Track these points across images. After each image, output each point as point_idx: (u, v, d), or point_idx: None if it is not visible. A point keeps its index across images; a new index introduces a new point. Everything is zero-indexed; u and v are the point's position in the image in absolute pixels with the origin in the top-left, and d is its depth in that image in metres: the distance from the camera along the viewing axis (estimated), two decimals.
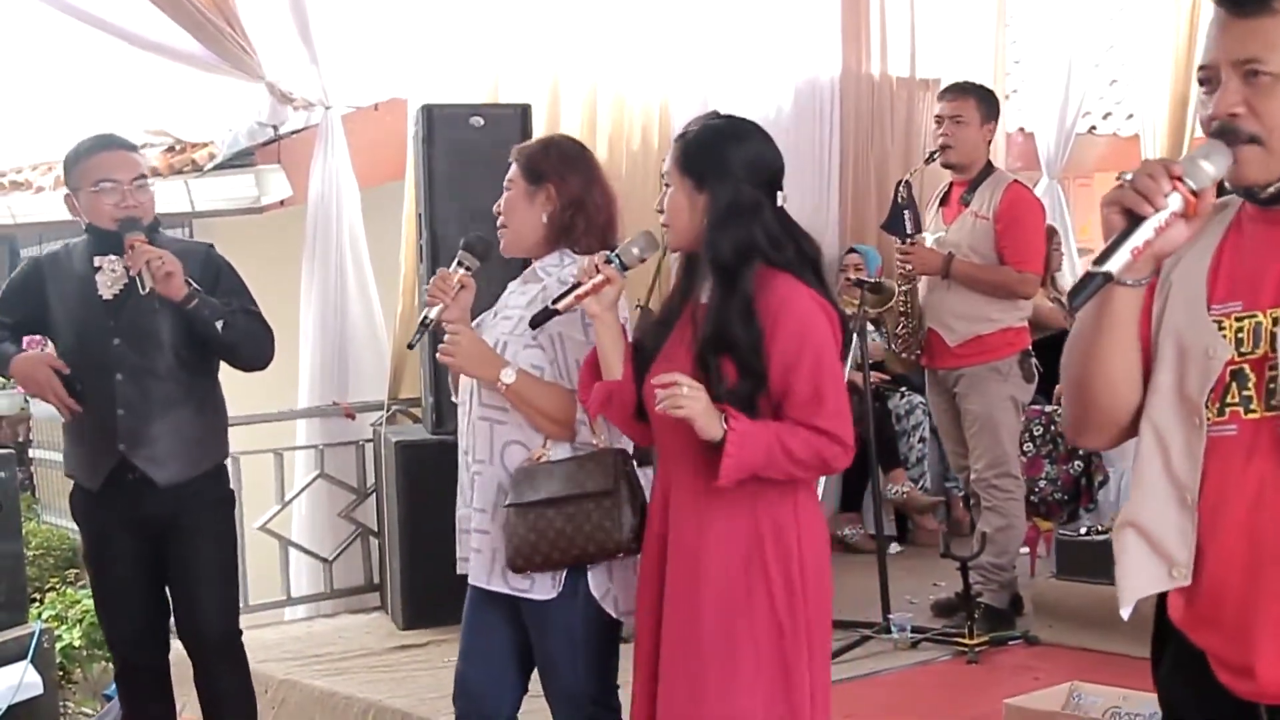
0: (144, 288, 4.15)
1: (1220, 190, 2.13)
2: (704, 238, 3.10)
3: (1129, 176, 2.03)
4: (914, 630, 5.59)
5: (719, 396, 2.99)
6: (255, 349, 4.45)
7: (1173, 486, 2.15)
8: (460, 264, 3.63)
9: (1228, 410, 2.12)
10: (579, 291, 3.26)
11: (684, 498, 3.12)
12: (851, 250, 7.72)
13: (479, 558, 3.55)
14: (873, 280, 6.02)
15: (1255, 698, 2.11)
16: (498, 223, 3.67)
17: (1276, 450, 2.07)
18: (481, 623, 3.62)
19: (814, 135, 8.01)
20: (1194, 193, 2.02)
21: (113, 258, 4.32)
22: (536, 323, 3.35)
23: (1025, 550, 6.40)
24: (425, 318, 3.57)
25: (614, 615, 3.49)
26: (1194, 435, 2.14)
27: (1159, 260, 2.11)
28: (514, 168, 3.65)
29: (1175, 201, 2.02)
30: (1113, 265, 2.00)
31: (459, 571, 3.65)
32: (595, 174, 3.64)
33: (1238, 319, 2.13)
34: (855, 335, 5.81)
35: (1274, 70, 2.08)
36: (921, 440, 7.51)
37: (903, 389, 7.53)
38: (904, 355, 6.04)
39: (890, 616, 5.65)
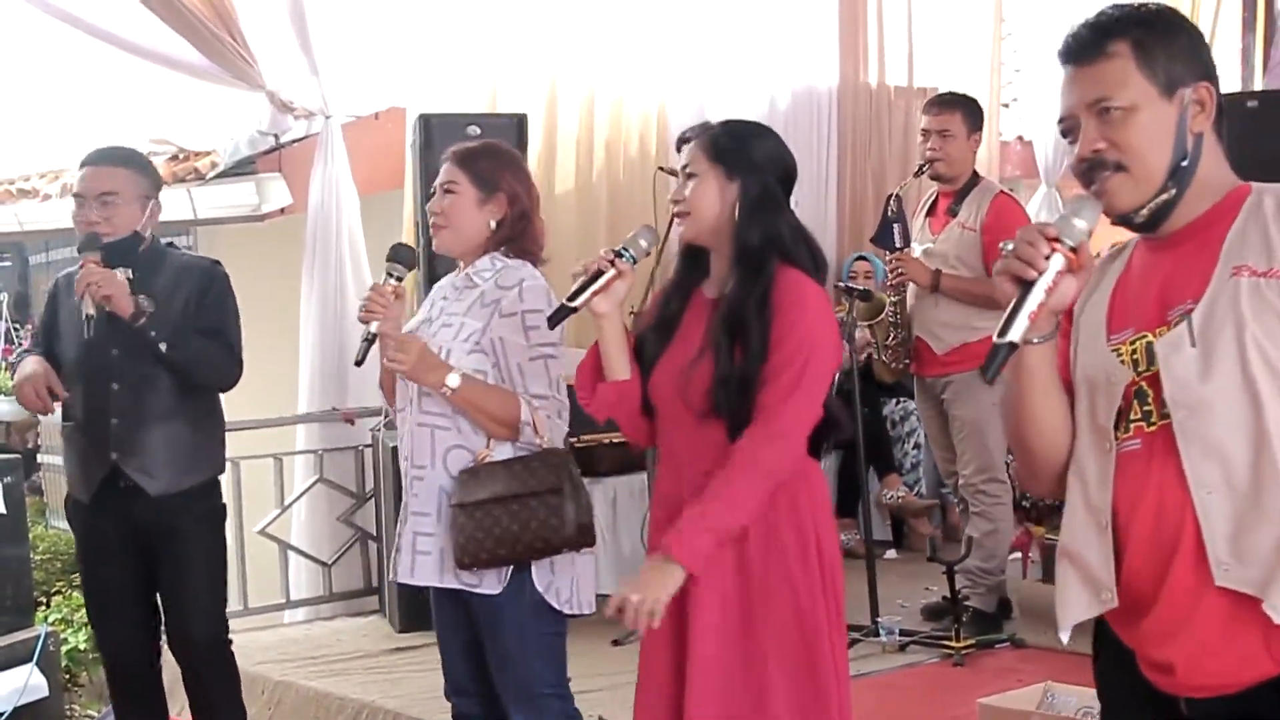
0: (90, 309, 4.18)
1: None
2: (733, 227, 3.13)
3: (1010, 246, 2.17)
4: (902, 633, 5.66)
5: (726, 376, 3.04)
6: (207, 372, 4.46)
7: (1091, 514, 2.28)
8: (390, 275, 3.70)
9: (1132, 426, 2.25)
10: (595, 287, 3.16)
11: (696, 494, 3.08)
12: (861, 258, 7.78)
13: (427, 559, 3.62)
14: (861, 289, 6.07)
15: (1176, 691, 2.22)
16: (432, 222, 3.72)
17: (1170, 453, 2.19)
18: (448, 621, 3.72)
19: (812, 144, 8.06)
20: (1073, 249, 2.16)
21: None
22: (555, 322, 3.29)
23: (1017, 555, 6.46)
24: (367, 333, 3.61)
25: (556, 606, 3.57)
26: (1105, 461, 2.27)
27: (1058, 315, 2.25)
28: (455, 170, 3.69)
29: (1058, 261, 2.15)
30: (1014, 334, 2.13)
31: (389, 576, 3.74)
32: (529, 178, 3.79)
33: (1131, 343, 2.27)
34: (845, 342, 5.88)
35: (1122, 104, 2.25)
36: (916, 446, 7.56)
37: (898, 397, 7.58)
38: (894, 365, 6.10)
39: (879, 620, 5.71)
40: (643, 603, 2.93)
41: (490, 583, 3.55)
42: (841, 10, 8.29)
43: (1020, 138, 9.61)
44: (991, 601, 5.84)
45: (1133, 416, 2.25)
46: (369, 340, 3.61)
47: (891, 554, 7.39)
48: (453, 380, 3.50)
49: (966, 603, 5.72)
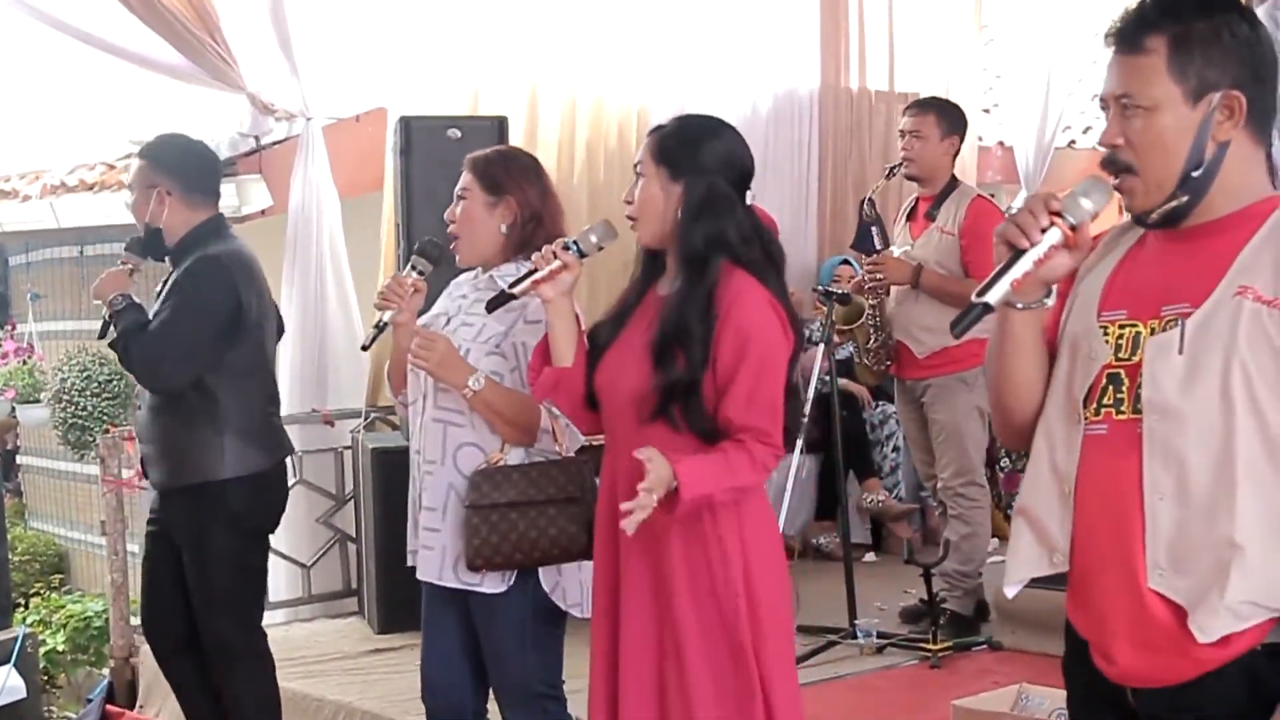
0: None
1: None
2: (676, 229, 3.13)
3: (1013, 209, 2.19)
4: (879, 635, 5.66)
5: (670, 384, 3.05)
6: (138, 369, 4.46)
7: (1055, 479, 2.30)
8: (414, 268, 3.73)
9: (1102, 410, 2.26)
10: (536, 277, 3.25)
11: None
12: (844, 261, 7.79)
13: (429, 555, 3.63)
14: (840, 293, 6.08)
15: (1122, 681, 2.25)
16: (449, 230, 3.75)
17: (1133, 450, 2.20)
18: (437, 621, 3.72)
19: (792, 147, 8.09)
20: (1072, 227, 2.18)
21: None
22: (492, 306, 3.38)
23: (999, 558, 6.49)
24: (380, 321, 3.66)
25: (563, 607, 3.58)
26: (1074, 431, 2.29)
27: (1048, 285, 2.27)
28: (468, 177, 3.72)
29: (1054, 235, 2.18)
30: (992, 297, 2.18)
31: (409, 564, 3.74)
32: (549, 186, 3.75)
33: (1120, 326, 2.27)
34: (823, 346, 5.90)
35: (1142, 104, 2.23)
36: (896, 450, 7.57)
37: (879, 401, 7.60)
38: (875, 368, 6.12)
39: (856, 622, 5.72)
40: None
41: (493, 582, 3.55)
42: (823, 14, 8.32)
43: (1001, 143, 9.62)
44: (969, 604, 5.86)
45: (1104, 400, 2.26)
46: (379, 328, 3.65)
47: (871, 557, 7.40)
48: (475, 382, 3.50)
49: (944, 605, 5.74)
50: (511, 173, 3.71)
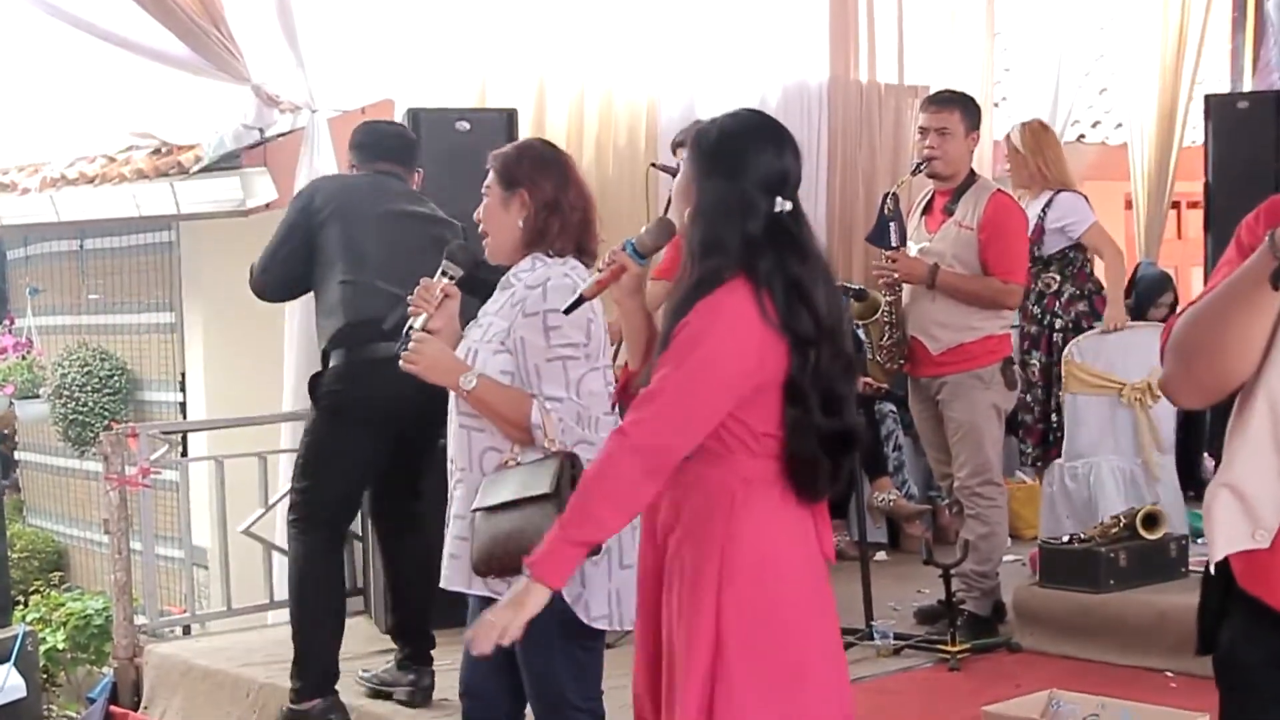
0: None
1: None
2: (685, 228, 3.05)
3: None
4: (896, 637, 5.61)
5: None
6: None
7: (1277, 455, 2.25)
8: (444, 273, 3.67)
9: None
10: (599, 279, 3.23)
11: (669, 499, 3.02)
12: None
13: (457, 564, 3.57)
14: (856, 288, 6.01)
15: None
16: (480, 230, 3.70)
17: None
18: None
19: (801, 140, 7.88)
20: None
21: None
22: (569, 309, 3.31)
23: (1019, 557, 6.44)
24: (410, 327, 3.59)
25: (585, 620, 3.47)
26: None
27: None
28: (490, 175, 3.67)
29: None
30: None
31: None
32: (569, 176, 3.66)
33: None
34: None
35: None
36: (898, 448, 7.52)
37: (879, 401, 7.52)
38: (888, 365, 6.04)
39: (873, 623, 5.66)
40: (492, 626, 2.85)
41: None
42: (832, 7, 8.25)
43: (1009, 137, 9.53)
44: (986, 605, 5.79)
45: None
46: (407, 335, 3.58)
47: (882, 555, 7.33)
48: (466, 382, 3.45)
49: (961, 606, 5.67)
50: (524, 165, 3.64)
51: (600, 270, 3.24)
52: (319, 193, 5.19)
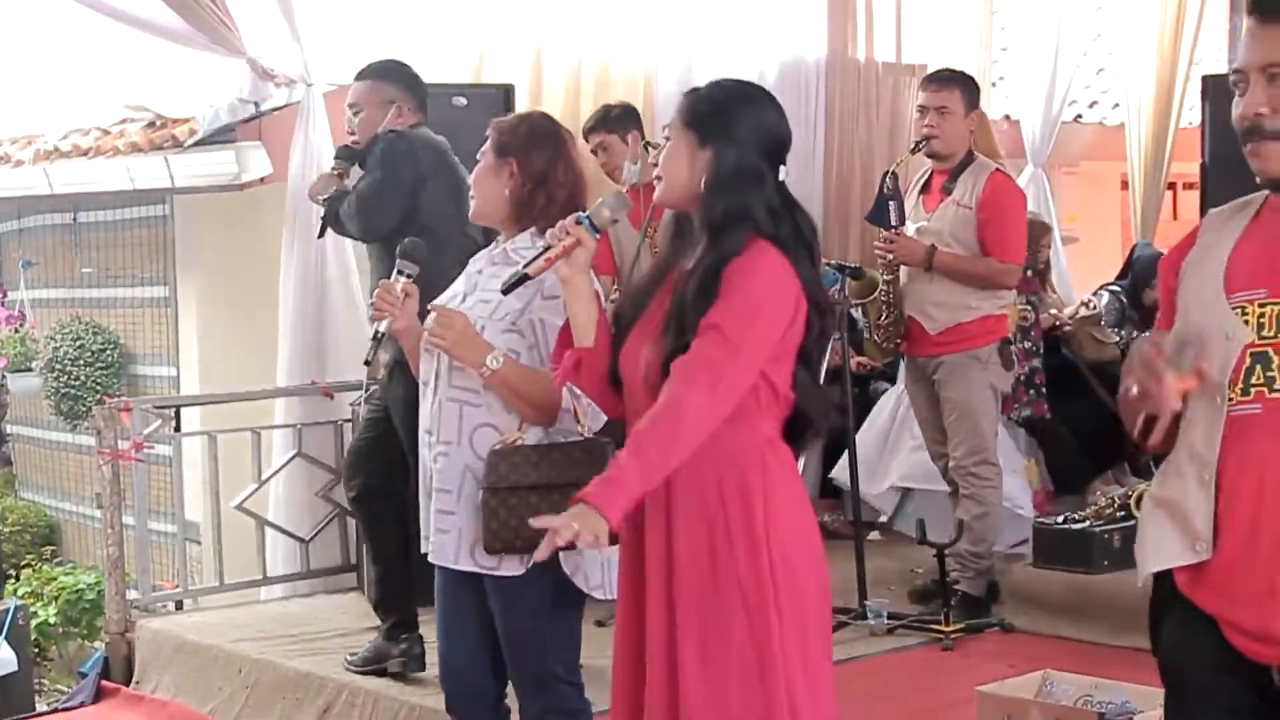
0: None
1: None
2: (700, 199, 3.01)
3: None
4: (890, 617, 5.61)
5: (672, 356, 2.91)
6: (343, 218, 5.33)
7: (1194, 465, 2.31)
8: (401, 273, 3.64)
9: (1252, 390, 2.28)
10: (549, 254, 3.13)
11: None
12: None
13: (445, 538, 3.53)
14: (853, 266, 5.99)
15: (1272, 660, 2.25)
16: (469, 192, 3.71)
17: None
18: (454, 605, 3.61)
19: (798, 117, 7.98)
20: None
21: None
22: (508, 289, 3.25)
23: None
24: (376, 332, 3.58)
25: (585, 590, 3.48)
26: (1214, 415, 2.30)
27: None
28: (488, 139, 3.67)
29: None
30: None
31: (422, 551, 3.64)
32: (563, 151, 3.63)
33: (1260, 305, 2.29)
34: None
35: None
36: None
37: (871, 382, 7.51)
38: (885, 345, 6.03)
39: (867, 603, 5.66)
40: (567, 528, 2.78)
41: (511, 565, 3.44)
42: None
43: (1007, 116, 9.55)
44: (980, 585, 5.79)
45: (1253, 380, 2.27)
46: (377, 339, 3.57)
47: (875, 535, 7.32)
48: (493, 361, 3.39)
49: (955, 586, 5.67)
50: (520, 136, 3.63)
51: (550, 246, 3.14)
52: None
